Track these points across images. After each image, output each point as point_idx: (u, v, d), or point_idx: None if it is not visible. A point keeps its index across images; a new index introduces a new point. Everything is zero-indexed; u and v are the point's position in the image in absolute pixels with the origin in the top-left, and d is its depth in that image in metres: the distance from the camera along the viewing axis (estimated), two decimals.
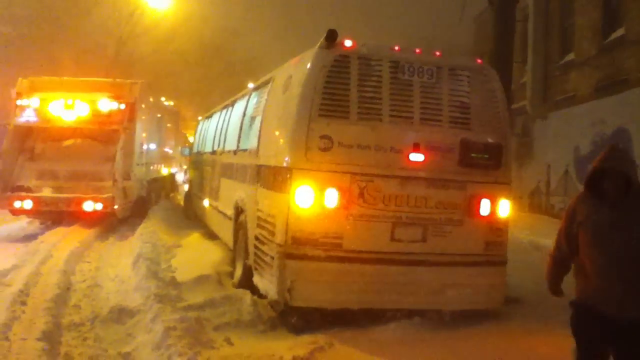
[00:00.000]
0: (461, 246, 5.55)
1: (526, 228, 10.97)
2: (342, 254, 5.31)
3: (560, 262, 3.48)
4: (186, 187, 16.09)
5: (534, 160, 15.51)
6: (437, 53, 5.82)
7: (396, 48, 5.69)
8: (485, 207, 5.61)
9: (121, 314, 5.60)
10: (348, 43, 5.49)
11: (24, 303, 5.71)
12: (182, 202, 15.89)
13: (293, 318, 5.45)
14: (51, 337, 4.88)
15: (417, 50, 5.78)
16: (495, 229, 5.67)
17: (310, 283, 5.28)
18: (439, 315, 5.50)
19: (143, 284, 6.49)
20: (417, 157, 5.47)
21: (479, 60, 6.10)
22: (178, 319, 4.99)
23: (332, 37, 5.36)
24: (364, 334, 5.19)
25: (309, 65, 5.44)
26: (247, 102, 7.91)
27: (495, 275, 5.66)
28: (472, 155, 5.62)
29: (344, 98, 5.39)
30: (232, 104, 9.37)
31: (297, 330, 5.34)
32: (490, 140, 5.70)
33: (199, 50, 32.45)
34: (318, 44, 5.46)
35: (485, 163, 5.66)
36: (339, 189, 5.27)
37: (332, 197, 5.26)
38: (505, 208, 5.71)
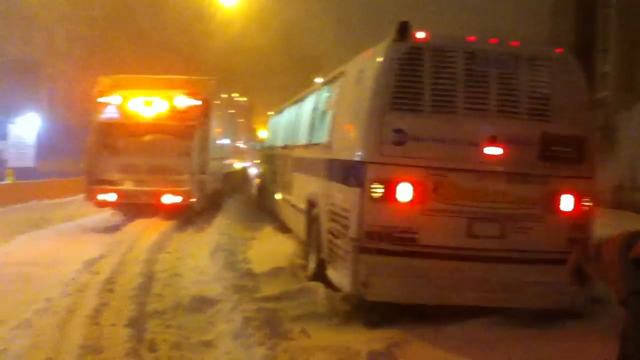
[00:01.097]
0: (542, 243, 5.37)
1: (610, 225, 10.45)
2: (417, 249, 5.27)
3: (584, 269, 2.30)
4: (258, 181, 16.44)
5: (617, 154, 14.75)
6: (514, 43, 5.65)
7: (471, 38, 5.58)
8: (567, 202, 5.41)
9: (202, 303, 5.81)
10: (420, 35, 5.43)
11: (111, 291, 6.04)
12: (254, 196, 16.25)
13: (368, 312, 5.47)
14: (137, 324, 5.14)
15: (493, 40, 5.64)
16: (578, 225, 5.45)
17: (385, 278, 5.27)
18: (518, 314, 5.36)
19: (221, 275, 6.71)
20: (493, 150, 5.34)
21: (560, 49, 5.87)
22: (256, 310, 5.14)
23: (404, 29, 5.31)
24: (440, 330, 5.13)
25: (381, 59, 5.42)
26: (318, 96, 7.97)
27: None
28: (553, 148, 5.42)
29: (417, 91, 5.34)
30: (303, 99, 9.47)
31: (372, 324, 5.34)
32: (572, 132, 5.48)
33: (269, 46, 32.98)
34: (390, 37, 5.43)
35: (567, 157, 5.46)
36: (413, 183, 5.22)
37: (406, 192, 5.22)
38: (588, 204, 5.47)
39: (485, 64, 5.44)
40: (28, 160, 20.21)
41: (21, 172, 17.56)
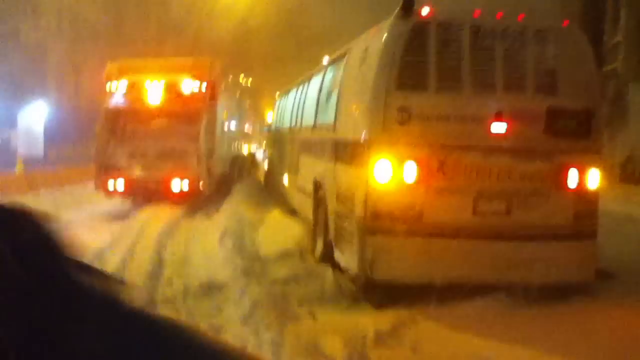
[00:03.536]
0: (548, 219, 5.31)
1: (619, 199, 10.36)
2: (423, 228, 5.24)
3: None
4: (266, 164, 16.43)
5: (628, 127, 14.54)
6: (520, 16, 5.54)
7: (476, 13, 5.47)
8: (573, 177, 5.34)
9: (210, 288, 5.84)
10: (425, 10, 5.33)
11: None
12: (263, 179, 16.24)
13: (375, 293, 5.46)
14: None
15: (499, 14, 5.53)
16: (584, 200, 5.39)
17: (391, 257, 5.26)
18: (525, 291, 5.32)
19: (230, 259, 6.73)
20: (499, 126, 5.27)
21: (566, 22, 5.75)
22: (264, 293, 5.15)
23: (408, 5, 5.22)
24: (448, 310, 5.08)
25: (385, 36, 5.34)
26: (323, 76, 7.89)
27: (585, 248, 5.40)
28: (560, 122, 5.35)
29: (422, 68, 5.26)
30: (309, 79, 9.39)
31: (380, 305, 5.32)
32: (578, 106, 5.39)
33: (277, 26, 32.68)
34: (394, 13, 5.34)
35: (573, 131, 5.38)
36: (418, 162, 5.17)
37: (411, 171, 5.18)
38: (595, 178, 5.41)
39: (492, 39, 5.35)
40: (38, 148, 20.37)
41: (31, 160, 17.71)
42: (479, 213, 5.29)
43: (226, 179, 14.43)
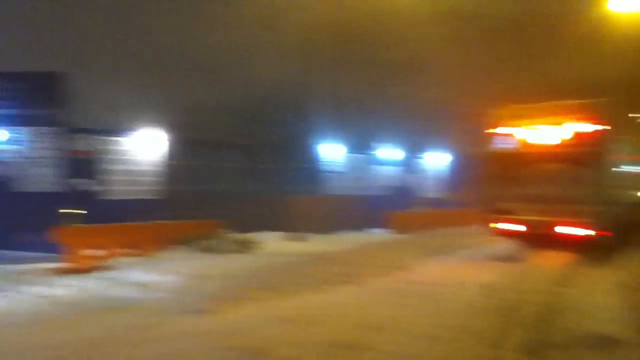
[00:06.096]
0: None
1: None
2: None
3: None
4: None
5: None
6: None
7: None
8: None
9: (601, 341, 5.46)
10: None
11: (507, 316, 6.23)
12: None
13: None
14: (535, 353, 5.19)
15: None
16: None
17: None
18: None
19: (621, 313, 6.16)
20: None
21: None
22: None
23: None
24: None
25: None
26: None
27: None
28: None
29: None
30: None
31: None
32: None
33: None
34: None
35: None
36: None
37: None
38: None
39: None
40: (438, 191, 23.10)
41: (435, 203, 20.03)
42: None
43: (627, 227, 13.02)
